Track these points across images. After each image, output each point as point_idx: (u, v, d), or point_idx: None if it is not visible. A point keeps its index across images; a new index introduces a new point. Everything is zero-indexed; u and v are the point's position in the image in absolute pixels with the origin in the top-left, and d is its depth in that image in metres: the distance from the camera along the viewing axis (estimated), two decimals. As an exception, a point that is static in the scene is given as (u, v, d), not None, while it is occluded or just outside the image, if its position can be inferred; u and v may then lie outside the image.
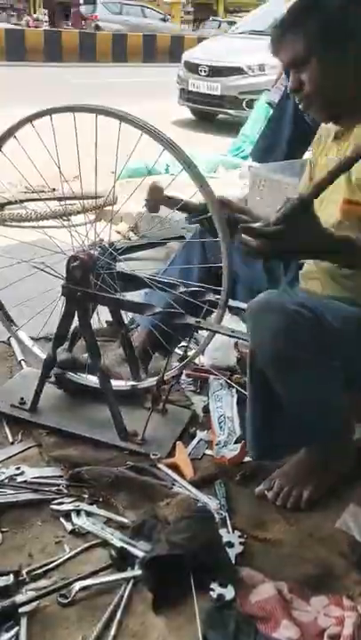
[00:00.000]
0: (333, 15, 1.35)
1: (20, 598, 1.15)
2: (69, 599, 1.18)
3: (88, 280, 1.58)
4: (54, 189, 4.03)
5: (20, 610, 1.14)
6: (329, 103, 1.42)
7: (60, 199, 3.48)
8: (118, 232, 3.08)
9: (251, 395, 1.42)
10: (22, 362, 1.98)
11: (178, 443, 1.63)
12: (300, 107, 1.47)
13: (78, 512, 1.39)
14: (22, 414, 1.69)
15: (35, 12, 21.16)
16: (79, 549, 1.30)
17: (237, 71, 6.94)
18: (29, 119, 1.57)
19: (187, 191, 1.58)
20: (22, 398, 1.72)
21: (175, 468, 1.55)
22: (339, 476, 1.51)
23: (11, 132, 1.62)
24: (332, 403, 1.38)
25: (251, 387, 1.41)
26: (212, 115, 7.60)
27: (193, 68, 7.36)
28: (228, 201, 1.62)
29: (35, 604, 1.16)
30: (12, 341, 2.10)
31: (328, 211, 1.42)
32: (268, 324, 1.29)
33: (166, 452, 1.59)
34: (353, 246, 1.24)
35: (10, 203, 3.78)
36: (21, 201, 3.85)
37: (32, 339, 2.13)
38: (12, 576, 1.19)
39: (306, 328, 1.29)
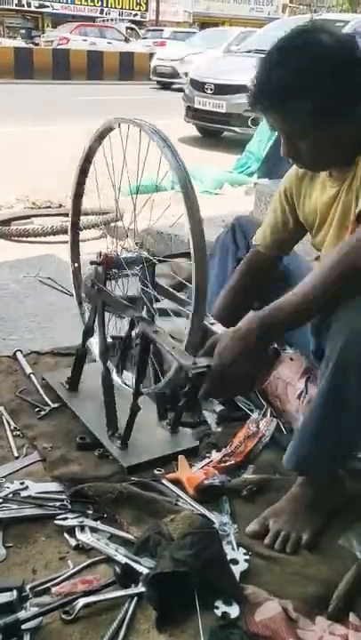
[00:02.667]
0: (329, 88, 1.28)
1: (23, 614, 1.14)
2: (73, 616, 1.17)
3: (104, 277, 1.66)
4: (60, 205, 4.08)
5: (24, 626, 1.13)
6: (328, 164, 1.43)
7: (66, 215, 3.51)
8: (124, 248, 3.10)
9: (323, 400, 1.32)
10: (31, 375, 1.98)
11: (181, 457, 1.62)
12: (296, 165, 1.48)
13: (82, 527, 1.39)
14: (61, 390, 1.89)
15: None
16: (83, 565, 1.29)
17: (243, 89, 6.96)
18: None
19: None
20: (68, 378, 1.89)
21: (179, 483, 1.54)
22: (330, 510, 1.44)
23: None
24: None
25: (328, 389, 1.30)
26: (217, 132, 7.68)
27: (199, 85, 7.45)
28: None
29: (38, 620, 1.15)
30: (18, 355, 2.11)
31: (334, 242, 1.44)
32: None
33: (135, 462, 1.58)
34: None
35: (16, 218, 3.82)
36: (28, 216, 3.89)
37: (37, 353, 2.14)
38: (15, 592, 1.18)
39: None
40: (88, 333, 1.82)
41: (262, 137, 5.08)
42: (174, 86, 13.88)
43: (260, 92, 1.34)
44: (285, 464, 1.42)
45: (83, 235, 2.00)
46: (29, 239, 3.52)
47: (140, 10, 29.80)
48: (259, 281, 1.76)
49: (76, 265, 1.94)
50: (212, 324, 1.54)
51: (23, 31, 23.52)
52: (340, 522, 1.44)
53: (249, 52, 7.50)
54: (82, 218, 1.94)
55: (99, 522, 1.41)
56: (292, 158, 1.43)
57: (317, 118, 1.31)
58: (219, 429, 1.77)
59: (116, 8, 28.67)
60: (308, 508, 1.42)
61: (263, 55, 1.36)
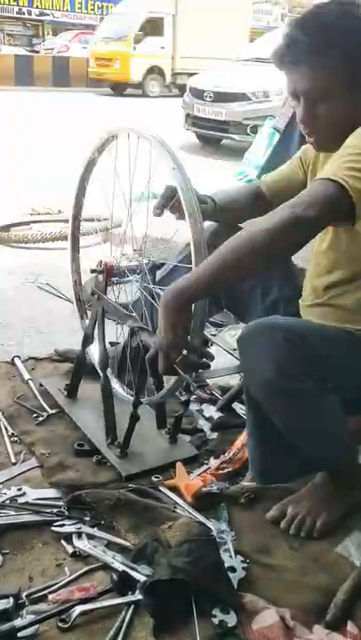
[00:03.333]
0: (357, 54, 1.26)
1: (19, 622, 1.14)
2: (69, 624, 1.16)
3: (105, 286, 1.68)
4: (60, 211, 4.09)
5: (20, 634, 1.12)
6: (341, 137, 1.33)
7: (65, 221, 3.52)
8: (123, 254, 3.11)
9: (249, 422, 1.42)
10: (29, 381, 1.98)
11: (178, 464, 1.62)
12: (305, 134, 1.39)
13: (80, 534, 1.38)
14: (60, 396, 1.88)
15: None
16: (80, 573, 1.29)
17: (242, 97, 7.05)
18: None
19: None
20: (67, 384, 1.89)
21: (176, 490, 1.53)
22: (352, 503, 1.49)
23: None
24: (328, 429, 1.36)
25: (249, 414, 1.41)
26: (216, 139, 7.70)
27: (198, 93, 7.49)
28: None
29: (34, 628, 1.14)
30: (17, 361, 2.10)
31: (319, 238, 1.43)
32: (255, 352, 1.27)
33: (134, 472, 1.58)
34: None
35: (16, 224, 3.82)
36: (27, 223, 3.89)
37: (36, 359, 2.14)
38: (11, 599, 1.18)
39: (294, 356, 1.25)
40: (87, 340, 1.82)
41: (261, 144, 5.10)
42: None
43: (293, 40, 1.29)
44: (254, 479, 1.51)
45: (83, 241, 2.01)
46: (28, 245, 3.52)
47: (139, 18, 29.95)
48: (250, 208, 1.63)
49: (75, 279, 1.94)
50: (212, 334, 1.54)
51: (26, 39, 23.63)
52: (343, 530, 1.44)
53: (248, 60, 7.56)
54: (82, 224, 1.94)
55: (96, 529, 1.40)
56: (306, 125, 1.36)
57: (346, 74, 1.27)
58: (214, 435, 1.77)
59: (116, 16, 28.81)
60: (328, 497, 1.46)
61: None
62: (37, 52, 20.15)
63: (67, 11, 27.41)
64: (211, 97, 7.29)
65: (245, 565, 1.32)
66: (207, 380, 1.96)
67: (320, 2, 1.39)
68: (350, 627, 1.19)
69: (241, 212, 1.60)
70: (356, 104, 1.31)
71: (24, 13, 26.79)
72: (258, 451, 1.44)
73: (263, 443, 1.42)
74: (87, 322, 1.84)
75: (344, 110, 1.30)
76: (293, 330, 1.29)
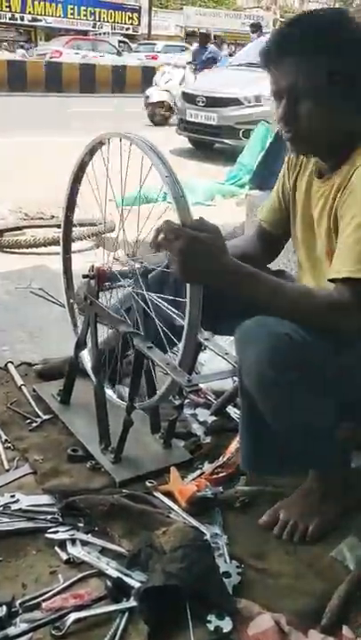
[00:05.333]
0: (345, 58, 1.27)
1: (12, 631, 1.13)
2: (63, 631, 1.15)
3: (97, 291, 1.66)
4: (53, 216, 4.08)
5: (13, 642, 1.12)
6: (316, 144, 1.37)
7: (58, 226, 3.52)
8: (116, 259, 3.11)
9: (242, 416, 1.41)
10: (22, 387, 1.97)
11: (172, 469, 1.61)
12: (283, 135, 1.40)
13: (73, 541, 1.37)
14: (53, 402, 1.88)
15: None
16: (74, 580, 1.28)
17: (234, 102, 7.08)
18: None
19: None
20: (60, 390, 1.88)
21: (170, 495, 1.53)
22: (344, 507, 1.49)
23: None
24: (321, 429, 1.35)
25: (242, 409, 1.40)
26: (209, 144, 7.73)
27: (191, 98, 7.51)
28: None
29: (28, 636, 1.13)
30: (10, 366, 2.09)
31: (320, 250, 1.44)
32: (255, 345, 1.26)
33: (128, 477, 1.57)
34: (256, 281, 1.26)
35: (9, 229, 3.81)
36: (20, 227, 3.88)
37: (29, 364, 2.13)
38: (4, 607, 1.17)
39: (293, 352, 1.25)
40: (80, 346, 1.82)
41: (254, 149, 5.12)
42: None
43: (280, 41, 1.31)
44: (242, 466, 1.49)
45: (75, 246, 2.00)
46: (21, 250, 3.51)
47: (132, 24, 30.03)
48: (263, 254, 1.69)
49: (67, 279, 1.94)
50: (205, 339, 1.54)
51: (23, 44, 23.57)
52: (338, 534, 1.44)
53: (240, 65, 7.59)
54: (74, 229, 1.93)
55: (90, 535, 1.39)
56: (285, 123, 1.35)
57: (332, 77, 1.27)
58: (208, 440, 1.77)
59: (108, 22, 28.87)
60: (319, 501, 1.45)
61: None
62: (30, 56, 20.14)
63: (59, 16, 27.48)
64: (203, 102, 7.32)
65: (240, 570, 1.32)
66: (201, 385, 1.96)
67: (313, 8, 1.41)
68: (346, 631, 1.19)
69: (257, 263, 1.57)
70: (336, 113, 1.31)
71: (17, 19, 26.84)
72: (248, 438, 1.42)
73: (255, 433, 1.40)
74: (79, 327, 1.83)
75: (324, 114, 1.31)
76: (296, 327, 1.27)
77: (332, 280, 1.29)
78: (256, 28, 11.46)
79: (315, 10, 1.40)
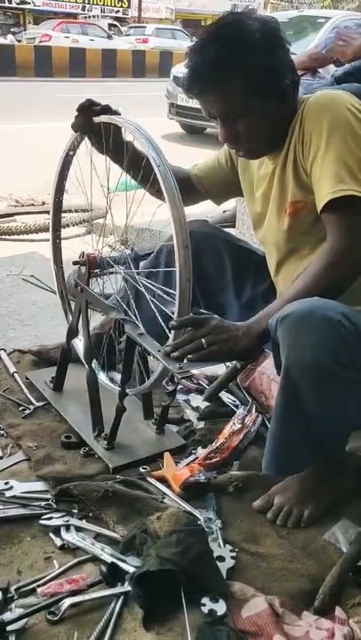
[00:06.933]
0: (263, 64, 1.33)
1: (7, 616, 1.13)
2: (59, 616, 1.16)
3: (88, 277, 1.66)
4: (44, 203, 4.05)
5: (8, 628, 1.12)
6: (266, 147, 1.45)
7: (49, 212, 3.49)
8: (108, 245, 3.10)
9: (280, 412, 1.35)
10: (15, 374, 1.97)
11: (166, 454, 1.62)
12: (234, 154, 1.49)
13: (68, 527, 1.37)
14: (46, 390, 1.87)
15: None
16: (68, 565, 1.28)
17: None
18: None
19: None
20: (52, 377, 1.88)
21: (164, 480, 1.53)
22: (338, 491, 1.49)
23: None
24: (355, 418, 1.32)
25: (282, 403, 1.34)
26: (200, 128, 7.67)
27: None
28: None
29: (23, 621, 1.14)
30: (2, 354, 2.09)
31: (274, 224, 1.47)
32: (311, 332, 1.21)
33: (123, 463, 1.58)
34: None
35: (-1, 216, 3.78)
36: (11, 214, 3.85)
37: (21, 351, 2.12)
38: (0, 593, 1.17)
39: (347, 339, 1.22)
40: (72, 333, 1.81)
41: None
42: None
43: (195, 73, 1.36)
44: (265, 469, 1.44)
45: (67, 232, 1.99)
46: (12, 237, 3.49)
47: (121, 6, 29.66)
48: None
49: (58, 266, 1.92)
50: None
51: (12, 29, 23.21)
52: (331, 518, 1.45)
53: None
54: (65, 215, 1.91)
55: (84, 521, 1.40)
56: (230, 143, 1.44)
57: (251, 91, 1.34)
58: (201, 425, 1.77)
59: (98, 5, 28.50)
60: (314, 487, 1.46)
61: (192, 44, 1.39)
62: (19, 41, 19.85)
63: (48, -1, 27.11)
64: (195, 86, 7.25)
65: (234, 554, 1.33)
66: (193, 371, 1.96)
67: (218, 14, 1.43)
68: (338, 612, 1.20)
69: None
70: (270, 113, 1.38)
71: (4, 2, 26.43)
72: (279, 440, 1.38)
73: (288, 432, 1.36)
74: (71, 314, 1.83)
75: (262, 121, 1.38)
76: (346, 312, 1.25)
77: (321, 211, 1.32)
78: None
79: (219, 23, 1.38)
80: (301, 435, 1.35)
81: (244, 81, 1.33)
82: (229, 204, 3.72)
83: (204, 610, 1.18)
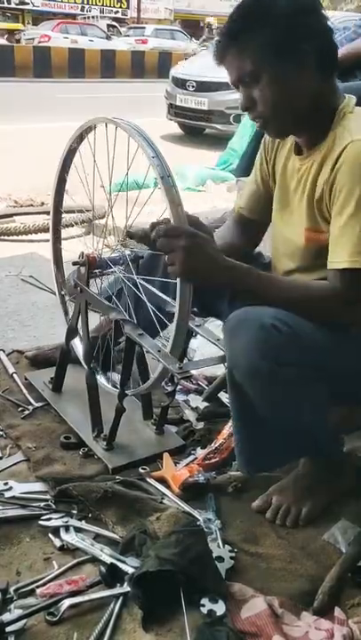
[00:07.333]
0: (282, 26, 1.25)
1: (7, 617, 1.13)
2: (58, 617, 1.16)
3: (87, 278, 1.65)
4: (43, 203, 4.05)
5: (8, 629, 1.12)
6: (284, 121, 1.34)
7: (48, 213, 3.49)
8: (107, 245, 3.09)
9: (233, 411, 1.39)
10: (14, 374, 1.97)
11: (165, 455, 1.62)
12: (256, 125, 1.40)
13: (67, 528, 1.38)
14: (45, 390, 1.87)
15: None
16: (68, 566, 1.28)
17: (225, 86, 7.00)
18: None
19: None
20: (52, 378, 1.88)
21: (164, 481, 1.53)
22: (337, 492, 1.50)
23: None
24: (313, 417, 1.34)
25: (232, 401, 1.38)
26: (199, 129, 7.67)
27: (181, 83, 7.44)
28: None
29: (22, 622, 1.14)
30: (1, 355, 2.09)
31: (294, 230, 1.43)
32: (243, 336, 1.25)
33: (122, 463, 1.58)
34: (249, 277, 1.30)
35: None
36: (10, 215, 3.85)
37: (20, 352, 2.12)
38: (-1, 594, 1.17)
39: (281, 341, 1.24)
40: (71, 334, 1.81)
41: (244, 134, 5.07)
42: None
43: (222, 36, 1.32)
44: (238, 468, 1.47)
45: (66, 232, 1.99)
46: (11, 238, 3.48)
47: (120, 7, 29.67)
48: (245, 241, 1.67)
49: (56, 272, 1.92)
50: (197, 325, 1.54)
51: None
52: (330, 518, 1.45)
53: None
54: (64, 216, 1.91)
55: (83, 522, 1.40)
56: (248, 112, 1.37)
57: (265, 52, 1.26)
58: (200, 425, 1.77)
59: (97, 5, 28.50)
60: (312, 486, 1.46)
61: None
62: (18, 41, 19.85)
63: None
64: (193, 86, 7.26)
65: (233, 555, 1.33)
66: (193, 371, 1.96)
67: None
68: (338, 612, 1.20)
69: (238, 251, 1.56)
70: (292, 84, 1.29)
71: (3, 2, 26.43)
72: (243, 439, 1.41)
73: (248, 430, 1.40)
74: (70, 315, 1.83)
75: (278, 87, 1.29)
76: (281, 317, 1.27)
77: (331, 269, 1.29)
78: None
79: None
80: (262, 431, 1.36)
81: (258, 41, 1.26)
82: (230, 204, 3.73)
83: (204, 610, 1.18)
